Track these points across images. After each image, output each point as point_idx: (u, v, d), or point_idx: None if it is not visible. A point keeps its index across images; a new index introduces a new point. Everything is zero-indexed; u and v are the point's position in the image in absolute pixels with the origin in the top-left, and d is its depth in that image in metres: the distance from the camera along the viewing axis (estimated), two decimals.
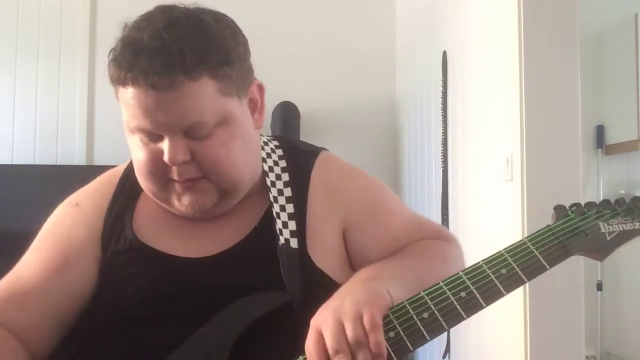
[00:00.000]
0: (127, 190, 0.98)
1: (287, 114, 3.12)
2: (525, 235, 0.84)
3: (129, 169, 0.98)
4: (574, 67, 1.91)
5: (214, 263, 0.89)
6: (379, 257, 0.93)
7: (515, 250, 0.81)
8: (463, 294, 0.77)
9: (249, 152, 0.92)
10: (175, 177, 0.87)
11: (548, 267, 0.79)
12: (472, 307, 0.77)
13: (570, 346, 1.83)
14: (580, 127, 1.90)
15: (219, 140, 0.86)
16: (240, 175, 0.90)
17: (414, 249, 0.95)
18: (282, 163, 1.00)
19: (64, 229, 0.95)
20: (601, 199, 0.88)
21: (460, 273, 0.79)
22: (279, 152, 1.02)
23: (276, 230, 0.90)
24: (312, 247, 0.91)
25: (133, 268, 0.90)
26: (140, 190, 0.95)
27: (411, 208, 1.10)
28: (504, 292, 0.78)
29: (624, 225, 0.83)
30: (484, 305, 0.77)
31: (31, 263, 0.93)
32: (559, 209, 0.86)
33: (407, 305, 0.77)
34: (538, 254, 0.79)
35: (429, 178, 2.78)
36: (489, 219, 2.11)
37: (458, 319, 0.76)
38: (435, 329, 0.75)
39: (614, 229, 0.83)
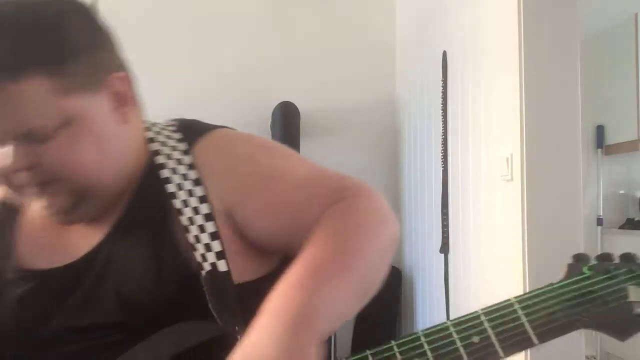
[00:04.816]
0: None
1: (287, 114, 3.12)
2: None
3: None
4: (574, 67, 1.90)
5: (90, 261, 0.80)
6: (281, 232, 0.79)
7: (499, 312, 0.60)
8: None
9: (108, 151, 0.79)
10: (16, 183, 0.76)
11: (536, 343, 0.60)
12: None
13: (570, 346, 1.82)
14: (580, 127, 1.90)
15: (62, 143, 0.74)
16: (97, 177, 0.78)
17: (326, 234, 0.73)
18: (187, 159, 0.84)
19: None
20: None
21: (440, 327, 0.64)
22: (182, 146, 0.85)
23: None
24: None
25: (24, 295, 0.81)
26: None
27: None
28: None
29: None
30: None
31: None
32: (577, 259, 0.62)
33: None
34: (526, 323, 0.59)
35: (429, 178, 2.78)
36: (489, 219, 2.10)
37: None
38: None
39: None
